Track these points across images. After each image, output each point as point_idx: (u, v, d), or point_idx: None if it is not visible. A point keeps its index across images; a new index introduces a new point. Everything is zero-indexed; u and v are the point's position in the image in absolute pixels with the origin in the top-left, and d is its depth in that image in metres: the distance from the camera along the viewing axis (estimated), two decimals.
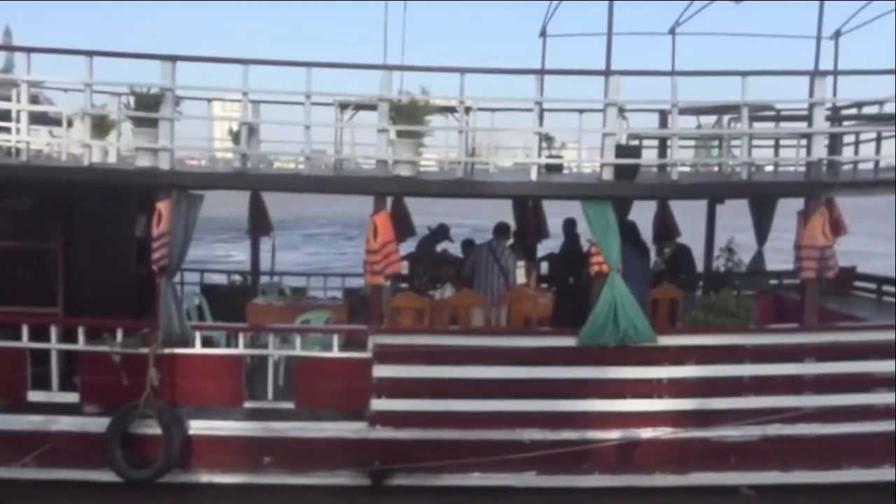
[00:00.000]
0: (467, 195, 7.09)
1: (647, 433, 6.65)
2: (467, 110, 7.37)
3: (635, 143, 8.21)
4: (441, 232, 9.51)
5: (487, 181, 7.48)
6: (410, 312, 7.14)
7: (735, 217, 9.55)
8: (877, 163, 8.44)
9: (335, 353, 6.65)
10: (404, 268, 7.84)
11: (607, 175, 6.80)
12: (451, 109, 7.86)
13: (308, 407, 6.63)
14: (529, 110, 7.01)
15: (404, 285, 9.00)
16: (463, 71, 6.75)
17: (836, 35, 9.64)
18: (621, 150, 6.81)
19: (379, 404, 6.60)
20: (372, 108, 7.31)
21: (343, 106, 8.36)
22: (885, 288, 9.03)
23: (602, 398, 6.72)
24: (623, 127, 7.40)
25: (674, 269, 8.05)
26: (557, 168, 8.73)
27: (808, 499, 6.73)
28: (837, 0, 8.86)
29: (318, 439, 6.56)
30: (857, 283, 9.42)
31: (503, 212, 9.89)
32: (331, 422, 6.63)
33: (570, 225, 9.22)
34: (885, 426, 6.74)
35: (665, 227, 9.01)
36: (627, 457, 6.68)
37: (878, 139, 8.78)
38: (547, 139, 9.22)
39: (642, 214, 9.18)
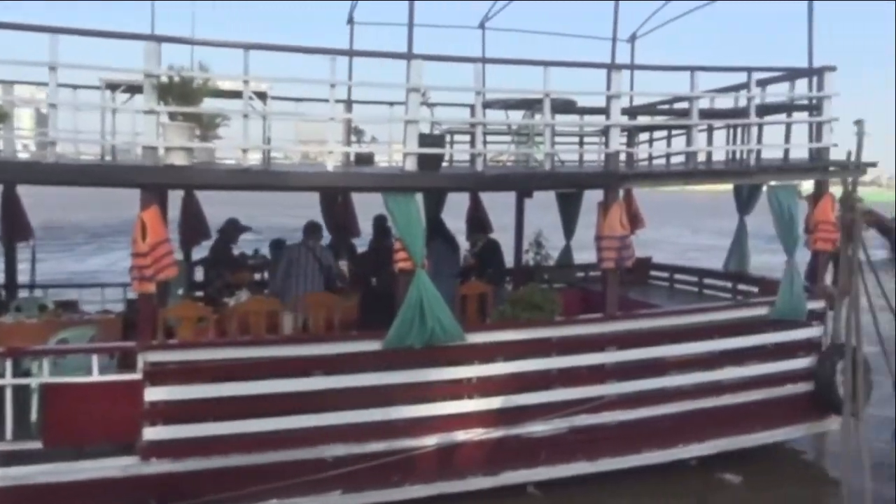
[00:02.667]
0: (256, 187, 6.31)
1: (458, 436, 6.34)
2: (262, 95, 6.59)
3: (445, 134, 7.94)
4: (230, 228, 8.46)
5: (280, 171, 6.71)
6: (190, 323, 6.21)
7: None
8: (668, 156, 8.98)
9: (94, 376, 5.57)
10: (187, 272, 6.84)
11: (410, 165, 6.40)
12: (262, 95, 6.97)
13: (60, 445, 5.49)
14: (326, 100, 6.39)
15: (200, 293, 7.98)
16: (248, 47, 5.96)
17: (632, 38, 10.18)
18: (424, 140, 6.44)
19: (153, 433, 5.65)
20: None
21: (112, 87, 7.15)
22: (676, 276, 9.69)
23: (410, 404, 6.29)
24: (426, 115, 7.03)
25: (483, 264, 7.90)
26: (368, 160, 8.22)
27: (617, 486, 6.84)
28: (635, 0, 9.24)
29: (77, 482, 5.46)
30: (653, 273, 10.01)
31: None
32: (92, 459, 5.55)
33: (379, 221, 8.76)
34: (677, 407, 7.03)
35: (478, 221, 8.88)
36: (439, 463, 6.33)
37: (669, 136, 9.48)
38: (356, 132, 8.72)
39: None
